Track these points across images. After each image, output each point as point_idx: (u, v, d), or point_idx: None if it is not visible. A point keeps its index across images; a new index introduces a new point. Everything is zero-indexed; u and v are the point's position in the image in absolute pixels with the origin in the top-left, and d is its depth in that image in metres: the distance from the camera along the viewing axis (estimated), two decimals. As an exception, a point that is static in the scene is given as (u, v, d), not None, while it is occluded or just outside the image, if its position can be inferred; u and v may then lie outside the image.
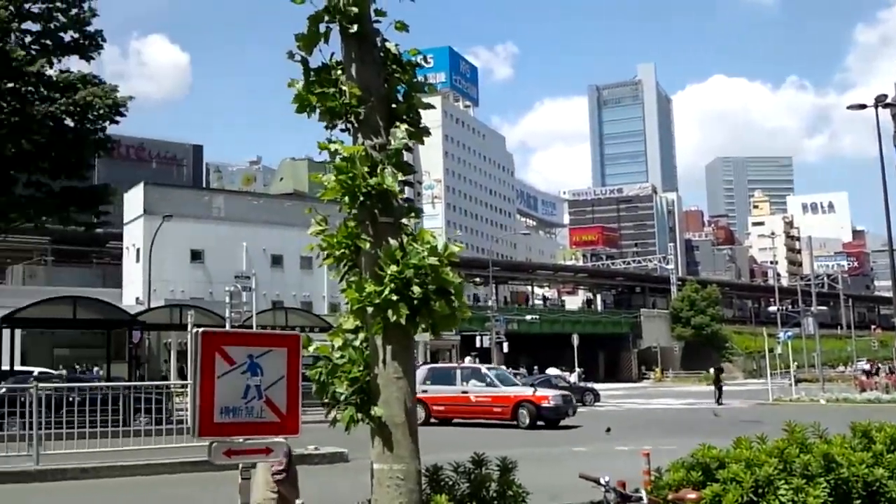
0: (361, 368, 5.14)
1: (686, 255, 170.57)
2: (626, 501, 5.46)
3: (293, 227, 51.99)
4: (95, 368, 32.31)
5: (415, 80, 5.52)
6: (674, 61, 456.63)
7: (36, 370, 29.42)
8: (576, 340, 52.67)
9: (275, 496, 5.30)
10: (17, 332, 27.43)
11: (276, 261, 55.59)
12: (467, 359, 36.62)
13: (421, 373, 26.44)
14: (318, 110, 5.26)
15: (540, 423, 22.86)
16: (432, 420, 24.04)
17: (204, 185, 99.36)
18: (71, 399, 15.16)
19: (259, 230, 53.87)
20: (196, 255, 52.57)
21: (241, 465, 4.88)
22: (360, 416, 5.05)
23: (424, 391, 24.56)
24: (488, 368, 26.57)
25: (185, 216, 49.64)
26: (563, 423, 23.39)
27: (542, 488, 6.29)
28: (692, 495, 5.45)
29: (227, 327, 24.81)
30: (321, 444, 14.43)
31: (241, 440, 4.79)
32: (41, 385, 14.27)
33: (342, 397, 5.10)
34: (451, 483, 5.50)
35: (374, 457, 5.02)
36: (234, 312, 25.62)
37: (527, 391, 23.98)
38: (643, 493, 5.57)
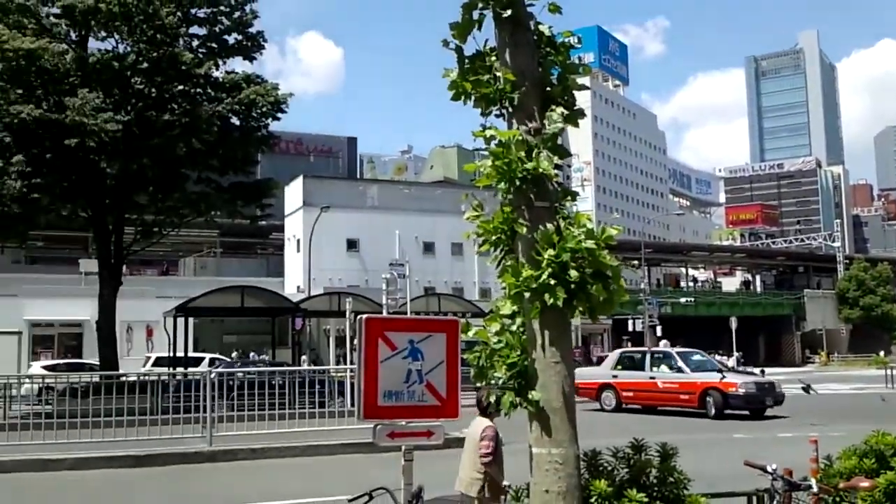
0: (519, 353, 5.15)
1: (854, 232, 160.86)
2: (795, 490, 5.23)
3: (444, 214, 52.75)
4: (252, 354, 33.97)
5: (569, 61, 5.46)
6: (837, 27, 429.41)
7: (208, 356, 31.35)
8: (734, 323, 50.69)
9: (481, 477, 5.42)
10: (191, 320, 29.09)
11: (428, 248, 56.54)
12: (662, 343, 35.36)
13: (612, 357, 25.69)
14: (472, 97, 5.30)
15: (729, 412, 21.01)
16: (624, 407, 23.30)
17: (358, 176, 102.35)
18: (241, 383, 16.03)
19: (411, 218, 54.89)
20: (352, 244, 54.24)
21: (403, 447, 5.01)
22: (518, 400, 5.07)
23: (615, 376, 23.85)
24: (680, 353, 24.22)
25: (342, 206, 51.22)
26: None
27: (701, 476, 6.11)
28: (865, 483, 5.16)
29: (384, 314, 25.47)
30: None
31: (403, 423, 4.92)
32: (213, 370, 15.13)
33: (500, 381, 5.14)
34: (610, 468, 5.45)
35: (533, 441, 5.03)
36: (390, 299, 26.26)
37: (713, 377, 21.70)
38: (812, 482, 5.32)
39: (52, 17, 23.67)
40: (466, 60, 5.36)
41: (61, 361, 32.32)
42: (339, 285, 46.33)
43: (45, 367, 29.83)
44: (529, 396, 4.97)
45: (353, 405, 15.99)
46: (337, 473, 12.22)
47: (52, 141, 22.14)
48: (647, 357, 24.09)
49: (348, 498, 4.91)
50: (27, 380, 20.84)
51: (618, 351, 26.48)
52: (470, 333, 5.37)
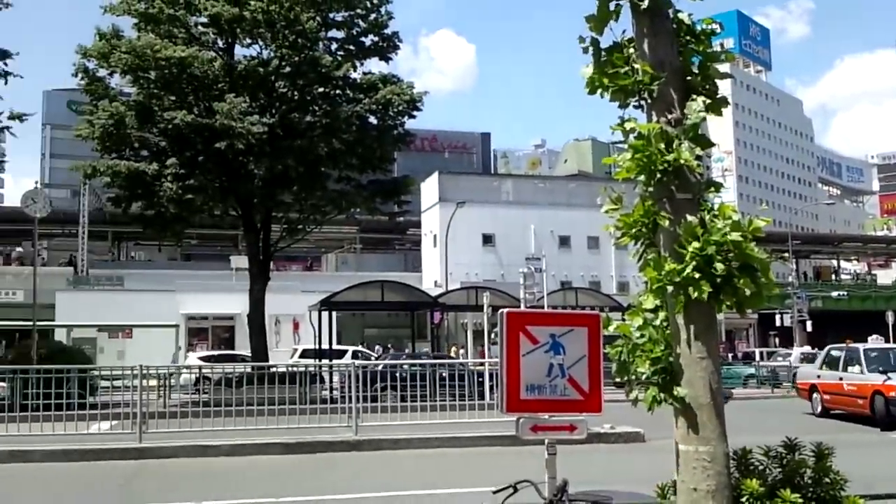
0: (663, 348, 5.07)
1: None
2: None
3: (579, 208, 52.25)
4: (377, 347, 34.71)
5: (709, 49, 5.31)
6: None
7: (351, 348, 32.33)
8: (891, 318, 47.75)
9: None
10: (334, 313, 30.05)
11: (564, 241, 56.12)
12: (872, 337, 31.90)
13: (821, 354, 22.91)
14: (609, 90, 5.24)
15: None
16: (832, 413, 20.35)
17: (492, 171, 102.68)
18: (384, 375, 16.47)
19: (546, 212, 54.65)
20: (487, 239, 54.53)
21: (546, 441, 5.04)
22: (662, 396, 4.99)
23: (818, 376, 21.29)
24: (868, 349, 20.78)
25: (477, 202, 51.59)
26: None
27: (860, 477, 5.83)
28: None
29: (522, 308, 25.51)
30: (616, 423, 14.43)
31: (546, 416, 4.94)
32: (357, 363, 15.60)
33: (644, 377, 5.07)
34: (761, 467, 5.28)
35: (679, 438, 4.93)
36: (528, 293, 26.24)
37: (877, 379, 18.39)
38: None
39: (200, 27, 24.95)
40: (603, 53, 5.31)
41: (215, 353, 34.14)
42: (475, 280, 46.70)
43: (201, 358, 31.59)
44: (675, 392, 4.88)
45: (492, 398, 16.20)
46: (478, 465, 12.35)
47: (203, 144, 23.39)
48: (842, 354, 20.91)
49: (492, 489, 4.98)
50: (185, 370, 22.17)
51: (828, 346, 23.03)
52: (611, 328, 5.33)
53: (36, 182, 29.75)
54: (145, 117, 23.57)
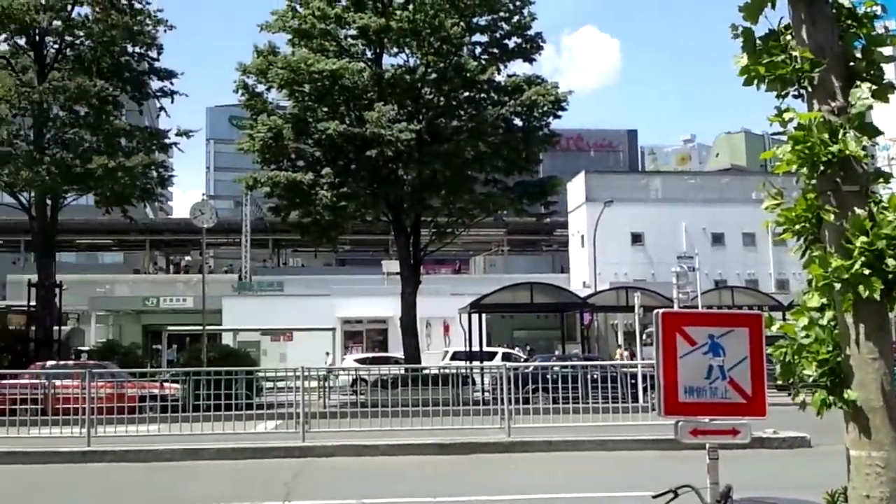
0: (830, 349, 4.83)
1: None
2: None
3: (732, 204, 50.33)
4: (517, 348, 34.57)
5: (873, 32, 5.03)
6: None
7: (501, 350, 32.47)
8: None
9: None
10: (483, 315, 30.24)
11: (717, 239, 54.16)
12: None
13: None
14: (766, 80, 5.06)
15: None
16: None
17: (640, 169, 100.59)
18: (535, 377, 16.47)
19: (697, 209, 52.93)
20: (636, 238, 53.40)
21: (707, 445, 4.90)
22: (832, 399, 4.76)
23: None
24: None
25: (625, 200, 50.67)
26: None
27: None
28: None
29: (675, 308, 24.87)
30: (779, 427, 13.83)
31: (706, 420, 4.81)
32: (508, 365, 15.67)
33: (811, 379, 4.85)
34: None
35: (850, 443, 4.70)
36: (681, 293, 25.55)
37: None
38: None
39: (349, 39, 25.83)
40: (758, 41, 5.13)
41: (370, 355, 35.14)
42: (624, 280, 45.85)
43: (357, 360, 32.61)
44: (845, 396, 4.64)
45: (645, 401, 15.88)
46: (632, 469, 12.14)
47: (355, 153, 24.20)
48: None
49: (652, 494, 4.89)
50: (342, 372, 22.96)
51: None
52: (773, 328, 5.12)
53: (203, 195, 31.65)
54: (301, 129, 24.64)
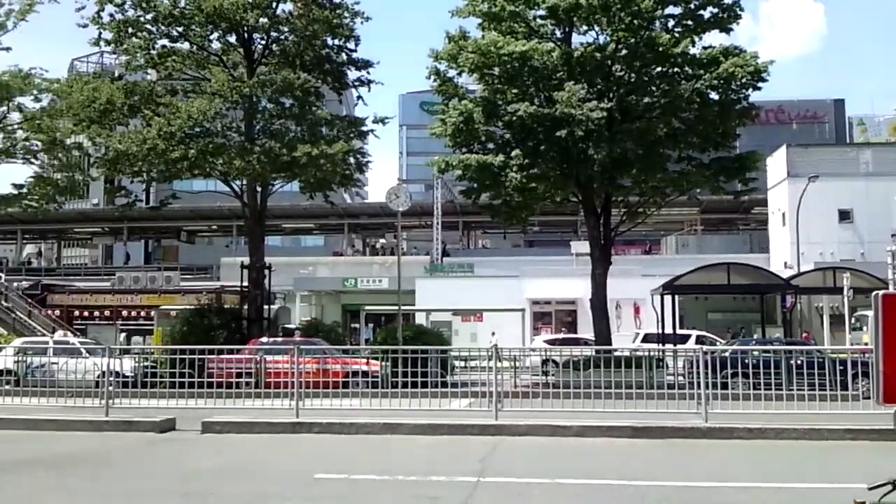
0: None
1: None
2: None
3: (962, 176, 46.02)
4: (735, 334, 33.12)
5: None
6: None
7: (695, 333, 31.51)
8: None
9: None
10: (676, 297, 29.47)
11: (938, 215, 49.67)
12: None
13: None
14: None
15: None
16: None
17: (848, 141, 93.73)
18: (733, 361, 15.88)
19: (915, 183, 48.73)
20: (844, 215, 49.90)
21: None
22: None
23: None
24: None
25: (831, 175, 47.46)
26: None
27: None
28: None
29: (891, 289, 23.12)
30: None
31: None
32: (705, 348, 15.19)
33: None
34: None
35: None
36: (896, 274, 23.70)
37: None
38: None
39: (538, 19, 25.78)
40: None
41: (559, 336, 35.17)
42: (830, 260, 43.11)
43: (546, 342, 32.74)
44: None
45: (854, 388, 14.93)
46: (843, 459, 11.47)
47: (544, 133, 24.17)
48: None
49: (867, 486, 4.64)
50: (531, 352, 23.15)
51: None
52: None
53: (399, 179, 32.78)
54: (491, 112, 24.94)
